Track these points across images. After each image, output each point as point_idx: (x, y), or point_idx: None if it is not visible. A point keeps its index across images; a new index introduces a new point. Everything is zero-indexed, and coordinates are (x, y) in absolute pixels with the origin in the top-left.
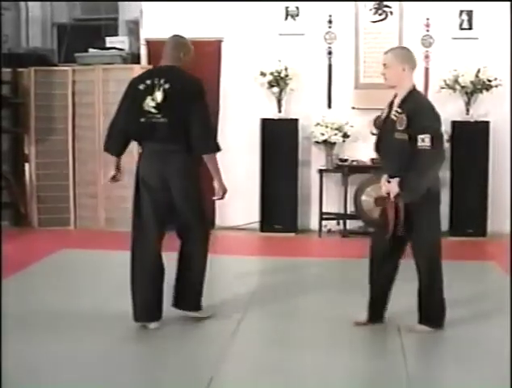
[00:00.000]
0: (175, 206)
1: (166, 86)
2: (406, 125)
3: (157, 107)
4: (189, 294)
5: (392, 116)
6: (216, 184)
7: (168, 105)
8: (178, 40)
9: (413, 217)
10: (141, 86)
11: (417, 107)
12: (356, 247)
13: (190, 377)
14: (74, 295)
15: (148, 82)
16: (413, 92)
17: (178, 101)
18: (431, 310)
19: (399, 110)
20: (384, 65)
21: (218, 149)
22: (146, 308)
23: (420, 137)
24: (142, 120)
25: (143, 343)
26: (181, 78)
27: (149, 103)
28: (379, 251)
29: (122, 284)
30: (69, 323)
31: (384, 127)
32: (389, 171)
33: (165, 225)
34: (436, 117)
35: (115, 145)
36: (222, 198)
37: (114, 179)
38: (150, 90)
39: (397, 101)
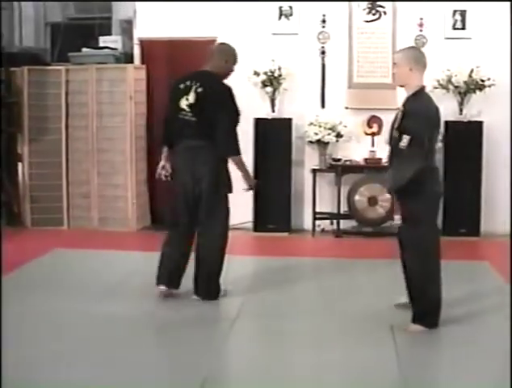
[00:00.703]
0: (202, 198)
1: (200, 89)
2: (399, 124)
3: (190, 106)
4: (206, 284)
5: (398, 114)
6: (244, 179)
7: (198, 106)
8: (221, 48)
9: (404, 214)
10: (181, 86)
11: (411, 108)
12: (349, 247)
13: (183, 376)
14: (67, 295)
15: (188, 83)
16: (418, 93)
17: (207, 103)
18: (424, 309)
19: (402, 108)
20: (394, 64)
21: (238, 152)
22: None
23: (403, 136)
24: (179, 116)
25: (136, 344)
26: (213, 83)
27: (184, 102)
28: None
29: (115, 284)
30: (61, 324)
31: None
32: (390, 165)
33: (196, 218)
34: (424, 122)
35: (165, 137)
36: (252, 189)
37: (164, 168)
38: (187, 91)
39: (404, 100)
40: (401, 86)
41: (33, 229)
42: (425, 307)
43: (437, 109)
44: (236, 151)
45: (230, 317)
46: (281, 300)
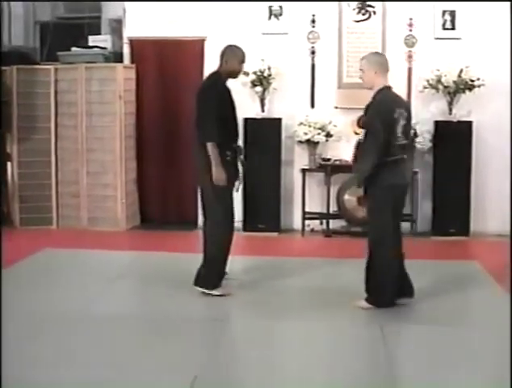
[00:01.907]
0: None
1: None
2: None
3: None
4: (200, 271)
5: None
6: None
7: (195, 103)
8: (224, 49)
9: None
10: None
11: (370, 104)
12: (339, 247)
13: (173, 375)
14: (57, 294)
15: None
16: (379, 91)
17: (196, 99)
18: (374, 289)
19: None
20: (361, 70)
21: (208, 139)
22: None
23: (362, 130)
24: None
25: (126, 343)
26: (205, 79)
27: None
28: None
29: (105, 283)
30: (51, 323)
31: None
32: None
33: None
34: (378, 114)
35: None
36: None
37: None
38: None
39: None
40: (369, 88)
41: (22, 228)
42: (374, 287)
43: (393, 103)
44: (206, 138)
45: (220, 316)
46: (271, 299)
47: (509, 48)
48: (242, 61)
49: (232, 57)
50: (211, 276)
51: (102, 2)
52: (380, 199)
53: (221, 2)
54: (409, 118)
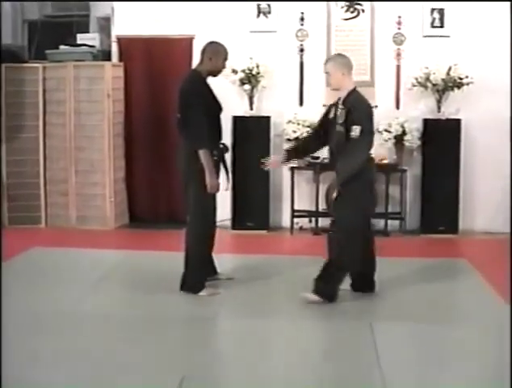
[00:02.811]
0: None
1: (180, 86)
2: (344, 119)
3: (177, 104)
4: (184, 276)
5: (338, 113)
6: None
7: (178, 103)
8: (207, 46)
9: (340, 197)
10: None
11: (354, 104)
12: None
13: (161, 375)
14: (45, 293)
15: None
16: (352, 92)
17: (179, 101)
18: (325, 283)
19: (341, 106)
20: (327, 73)
21: (200, 146)
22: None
23: (353, 127)
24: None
25: (114, 342)
26: (186, 78)
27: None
28: None
29: (94, 282)
30: (39, 322)
31: (328, 124)
32: (334, 162)
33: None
34: (368, 114)
35: None
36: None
37: None
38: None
39: (341, 100)
40: (337, 89)
41: (11, 227)
42: (335, 280)
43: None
44: (198, 145)
45: (209, 315)
46: (259, 298)
47: (508, 47)
48: (226, 58)
49: (217, 55)
50: (194, 279)
51: (91, 1)
52: (360, 194)
53: (210, 0)
54: None
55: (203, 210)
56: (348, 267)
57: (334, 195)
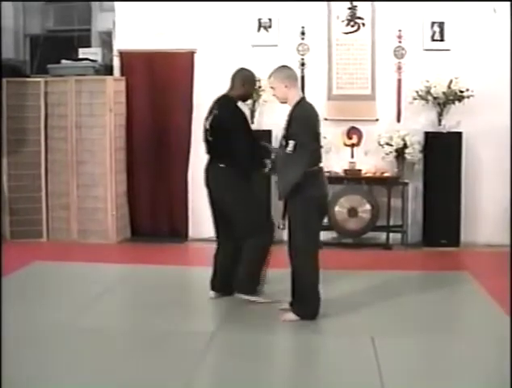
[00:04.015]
0: None
1: (216, 111)
2: (284, 133)
3: (210, 127)
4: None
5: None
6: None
7: (214, 127)
8: (239, 72)
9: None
10: (209, 107)
11: (292, 117)
12: (329, 258)
13: None
14: (46, 308)
15: (211, 105)
16: (297, 104)
17: (220, 125)
18: (300, 301)
19: (287, 119)
20: (271, 87)
21: (258, 166)
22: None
23: (289, 142)
24: (205, 136)
25: (114, 356)
26: (223, 105)
27: (207, 124)
28: None
29: (96, 296)
30: (41, 336)
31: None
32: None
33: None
34: (305, 126)
35: None
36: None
37: None
38: (209, 112)
39: (288, 113)
40: (284, 102)
41: (12, 241)
42: (300, 299)
43: (316, 115)
44: (256, 166)
45: (209, 329)
46: (259, 312)
47: (508, 60)
48: (255, 84)
49: (249, 81)
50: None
51: (93, 15)
52: (305, 209)
53: (211, 15)
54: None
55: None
56: (312, 285)
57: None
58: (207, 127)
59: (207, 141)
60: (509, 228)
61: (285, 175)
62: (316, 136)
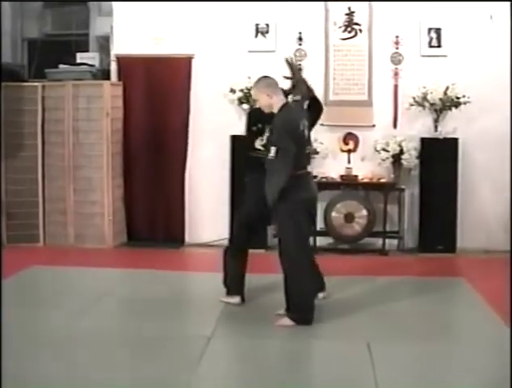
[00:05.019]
0: None
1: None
2: (268, 139)
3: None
4: None
5: None
6: None
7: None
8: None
9: (277, 220)
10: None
11: (275, 123)
12: (326, 264)
13: None
14: (44, 312)
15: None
16: (280, 109)
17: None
18: (294, 307)
19: (271, 126)
20: (255, 100)
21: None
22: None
23: (271, 148)
24: None
25: (111, 360)
26: None
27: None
28: None
29: (92, 301)
30: (38, 340)
31: None
32: None
33: None
34: (285, 130)
35: None
36: None
37: None
38: (300, 118)
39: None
40: (270, 110)
41: (9, 246)
42: (293, 305)
43: (299, 119)
44: None
45: (206, 334)
46: (257, 318)
47: (506, 63)
48: None
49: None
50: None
51: (91, 19)
52: (293, 213)
53: (208, 20)
54: (309, 128)
55: (240, 227)
56: (305, 290)
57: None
58: (307, 135)
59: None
60: (510, 234)
61: (269, 183)
62: (299, 140)
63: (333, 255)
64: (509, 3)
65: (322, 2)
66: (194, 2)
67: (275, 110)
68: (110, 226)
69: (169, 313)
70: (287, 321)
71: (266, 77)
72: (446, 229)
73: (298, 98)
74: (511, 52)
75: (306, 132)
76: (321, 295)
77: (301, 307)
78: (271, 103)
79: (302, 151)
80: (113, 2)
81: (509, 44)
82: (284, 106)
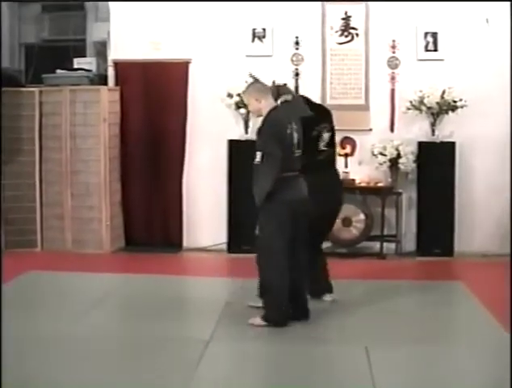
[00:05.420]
0: None
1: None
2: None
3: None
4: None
5: None
6: None
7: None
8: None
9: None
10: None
11: (259, 128)
12: None
13: None
14: (41, 317)
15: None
16: (268, 114)
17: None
18: (265, 305)
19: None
20: (246, 104)
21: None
22: None
23: (256, 153)
24: None
25: (110, 365)
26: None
27: (326, 135)
28: None
29: (90, 306)
30: (36, 345)
31: None
32: None
33: None
34: (270, 134)
35: None
36: None
37: None
38: (320, 122)
39: None
40: (260, 115)
41: (6, 251)
42: (267, 305)
43: (286, 123)
44: None
45: (204, 338)
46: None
47: (505, 64)
48: None
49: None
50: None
51: (88, 25)
52: (277, 214)
53: (206, 25)
54: (299, 130)
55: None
56: (273, 289)
57: None
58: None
59: (320, 150)
60: (510, 237)
61: (255, 187)
62: (286, 143)
63: (330, 258)
64: (508, 4)
65: (319, 7)
66: (191, 7)
67: (264, 114)
68: (107, 231)
69: (167, 317)
70: (257, 320)
71: (256, 81)
72: (443, 233)
73: (289, 97)
74: (511, 53)
75: (295, 135)
76: (328, 298)
77: (269, 307)
78: (260, 107)
79: (289, 154)
80: (110, 8)
81: (509, 45)
82: (273, 110)
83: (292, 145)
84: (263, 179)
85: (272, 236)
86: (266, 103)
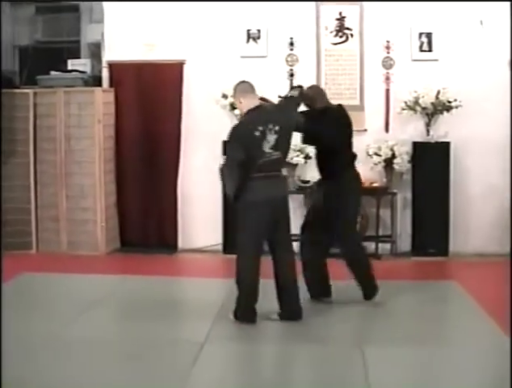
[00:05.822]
0: None
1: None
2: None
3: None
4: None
5: None
6: None
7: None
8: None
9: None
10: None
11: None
12: None
13: None
14: (36, 319)
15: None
16: (243, 115)
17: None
18: (236, 301)
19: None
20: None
21: None
22: None
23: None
24: None
25: (105, 367)
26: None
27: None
28: None
29: (85, 308)
30: (30, 347)
31: None
32: None
33: None
34: (233, 137)
35: None
36: None
37: None
38: (340, 120)
39: None
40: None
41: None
42: (236, 301)
43: (256, 123)
44: None
45: (199, 340)
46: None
47: (501, 65)
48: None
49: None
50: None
51: (82, 26)
52: (246, 215)
53: (200, 26)
54: (282, 131)
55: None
56: (240, 287)
57: None
58: (272, 139)
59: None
60: (510, 235)
61: (226, 186)
62: (252, 146)
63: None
64: (508, 4)
65: (313, 8)
66: (185, 8)
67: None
68: (103, 233)
69: (162, 318)
70: (230, 315)
71: (241, 82)
72: (438, 233)
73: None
74: (511, 53)
75: (269, 137)
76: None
77: (239, 304)
78: (241, 107)
79: (257, 156)
80: (104, 9)
81: (508, 45)
82: (249, 111)
83: (261, 146)
84: (227, 181)
85: (242, 236)
86: (246, 104)
